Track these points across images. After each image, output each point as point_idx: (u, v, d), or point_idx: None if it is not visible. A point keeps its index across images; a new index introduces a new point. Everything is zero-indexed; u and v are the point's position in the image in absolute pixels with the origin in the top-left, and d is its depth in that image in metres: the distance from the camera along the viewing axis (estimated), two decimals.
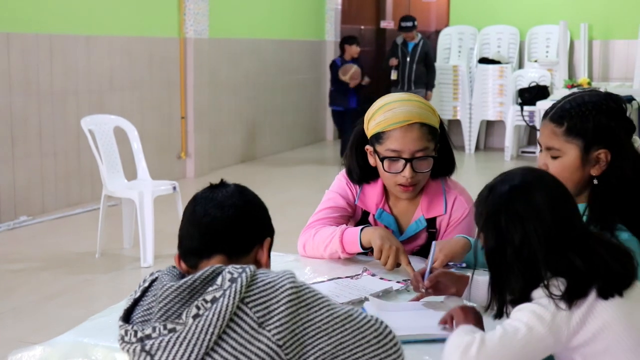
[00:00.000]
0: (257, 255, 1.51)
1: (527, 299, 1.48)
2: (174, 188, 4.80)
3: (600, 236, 1.55)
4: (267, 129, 8.85)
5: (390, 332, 1.39)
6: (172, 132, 7.31)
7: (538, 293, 1.48)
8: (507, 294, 1.51)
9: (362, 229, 2.16)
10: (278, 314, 1.33)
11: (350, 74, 8.06)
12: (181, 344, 1.34)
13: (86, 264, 4.66)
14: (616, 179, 1.78)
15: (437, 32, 9.80)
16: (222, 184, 1.55)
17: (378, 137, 2.18)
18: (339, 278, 2.04)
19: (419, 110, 2.17)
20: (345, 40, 8.37)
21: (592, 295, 1.46)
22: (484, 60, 9.13)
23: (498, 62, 9.01)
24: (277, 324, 1.33)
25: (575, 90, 7.48)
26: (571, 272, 1.46)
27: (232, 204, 1.49)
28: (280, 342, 1.32)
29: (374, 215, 2.31)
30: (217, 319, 1.33)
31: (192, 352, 1.34)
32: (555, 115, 1.85)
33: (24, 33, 5.68)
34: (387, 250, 2.08)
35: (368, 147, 2.24)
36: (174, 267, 1.50)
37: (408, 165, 2.15)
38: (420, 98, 2.24)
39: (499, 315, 1.54)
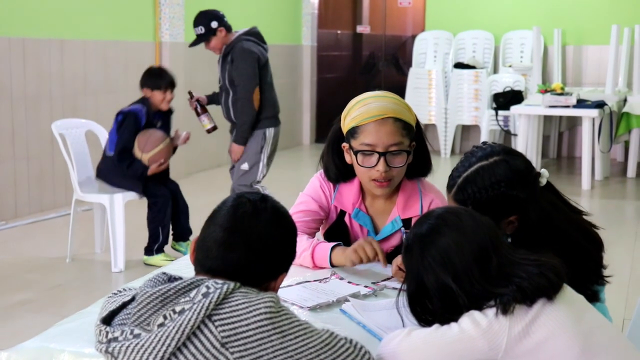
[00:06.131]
0: (267, 287, 1.47)
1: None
2: None
3: (524, 257, 1.55)
4: None
5: (369, 358, 1.39)
6: None
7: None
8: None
9: (332, 248, 2.18)
10: (245, 337, 1.30)
11: (155, 152, 4.46)
12: (139, 351, 1.34)
13: (57, 269, 4.63)
14: (526, 233, 1.80)
15: (413, 37, 9.85)
16: (263, 199, 1.48)
17: (353, 132, 2.20)
18: (307, 282, 2.05)
19: (393, 105, 2.19)
20: (153, 81, 4.64)
21: (537, 305, 1.47)
22: (459, 65, 9.19)
23: (473, 67, 9.08)
24: (242, 347, 1.30)
25: (548, 94, 7.36)
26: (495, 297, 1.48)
27: (259, 240, 1.43)
28: None
29: (350, 214, 2.33)
30: (177, 332, 1.32)
31: None
32: (458, 197, 1.83)
33: None
34: (361, 245, 2.11)
35: (344, 145, 2.26)
36: (164, 273, 1.47)
37: (382, 159, 2.17)
38: (395, 95, 2.26)
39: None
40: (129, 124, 4.51)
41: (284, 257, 1.50)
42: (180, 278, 1.43)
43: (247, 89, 4.81)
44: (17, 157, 5.86)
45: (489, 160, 1.82)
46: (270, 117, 4.99)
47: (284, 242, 1.49)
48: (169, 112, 4.78)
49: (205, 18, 4.86)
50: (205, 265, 1.45)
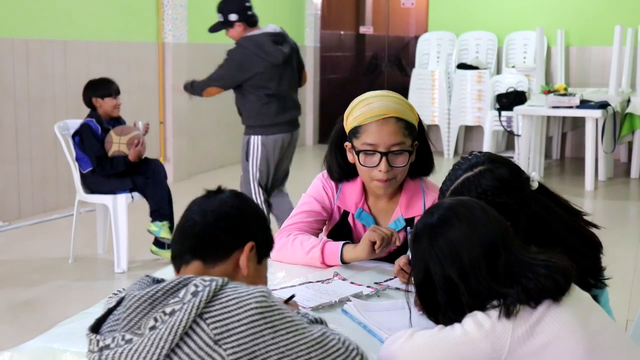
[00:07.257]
0: (238, 260, 1.48)
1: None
2: None
3: (534, 257, 1.53)
4: None
5: (360, 359, 1.38)
6: (151, 137, 7.26)
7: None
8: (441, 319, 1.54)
9: (343, 245, 2.20)
10: (237, 333, 1.30)
11: (132, 135, 4.59)
12: (132, 356, 1.33)
13: (60, 270, 4.63)
14: (519, 239, 1.76)
15: (416, 38, 9.85)
16: (218, 190, 1.55)
17: (355, 132, 2.21)
18: (310, 282, 2.05)
19: (395, 105, 2.20)
20: (102, 90, 4.73)
21: (542, 306, 1.46)
22: (462, 66, 9.19)
23: (476, 68, 9.07)
24: (235, 343, 1.30)
25: (552, 94, 7.35)
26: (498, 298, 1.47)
27: (214, 210, 1.49)
28: None
29: (353, 214, 2.33)
30: (169, 334, 1.31)
31: None
32: None
33: (0, 37, 5.65)
34: (376, 227, 2.16)
35: (347, 144, 2.27)
36: (147, 275, 1.49)
37: (384, 159, 2.18)
38: (398, 95, 2.27)
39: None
40: (88, 136, 4.57)
41: (245, 226, 1.50)
42: (164, 280, 1.43)
43: (203, 84, 4.69)
44: (21, 158, 5.87)
45: (473, 171, 1.83)
46: (257, 126, 4.61)
47: (241, 212, 1.51)
48: (119, 119, 4.77)
49: (226, 7, 4.57)
50: (174, 253, 1.52)
